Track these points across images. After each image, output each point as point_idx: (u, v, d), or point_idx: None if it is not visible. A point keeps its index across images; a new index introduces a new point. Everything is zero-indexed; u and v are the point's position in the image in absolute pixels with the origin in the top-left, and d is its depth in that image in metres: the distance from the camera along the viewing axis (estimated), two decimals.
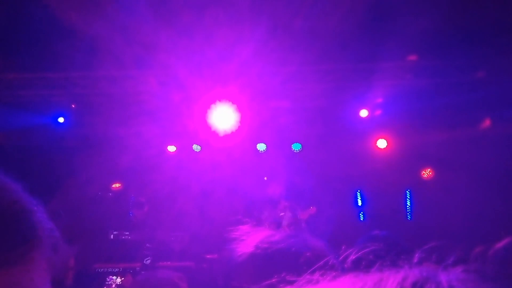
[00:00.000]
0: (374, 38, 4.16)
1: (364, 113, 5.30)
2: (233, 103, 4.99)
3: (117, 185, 6.16)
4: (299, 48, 4.25)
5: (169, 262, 5.22)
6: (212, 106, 4.97)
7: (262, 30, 4.07)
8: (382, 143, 6.01)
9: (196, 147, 6.02)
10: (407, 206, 6.46)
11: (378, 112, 5.31)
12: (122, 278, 4.47)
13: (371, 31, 4.04)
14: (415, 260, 0.44)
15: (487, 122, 5.36)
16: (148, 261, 5.11)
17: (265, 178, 6.34)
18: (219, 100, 4.95)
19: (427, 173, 6.36)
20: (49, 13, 3.76)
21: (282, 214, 5.24)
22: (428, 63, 4.69)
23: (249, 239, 1.14)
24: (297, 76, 4.73)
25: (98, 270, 4.57)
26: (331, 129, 5.58)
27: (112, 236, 5.21)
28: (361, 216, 6.55)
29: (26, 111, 4.97)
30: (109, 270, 4.92)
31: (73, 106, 5.09)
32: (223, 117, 5.06)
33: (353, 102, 5.22)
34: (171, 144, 6.02)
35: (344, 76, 4.70)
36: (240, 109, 5.04)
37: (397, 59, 4.49)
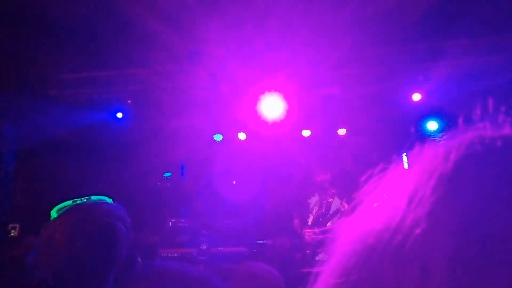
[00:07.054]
0: (428, 18, 4.02)
1: (416, 97, 5.14)
2: (281, 92, 5.03)
3: (168, 174, 6.43)
4: (348, 32, 4.20)
5: (223, 248, 5.45)
6: (261, 96, 5.04)
7: (309, 16, 4.06)
8: (432, 125, 5.82)
9: (241, 136, 6.12)
10: None
11: (431, 95, 5.13)
12: None
13: (425, 10, 3.91)
14: None
15: None
16: (204, 247, 5.36)
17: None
18: (268, 90, 5.01)
19: None
20: (104, 13, 3.96)
21: (331, 200, 5.24)
22: (485, 41, 4.47)
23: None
24: (346, 61, 4.68)
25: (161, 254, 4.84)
26: (382, 114, 5.48)
27: (170, 224, 5.50)
28: None
29: (87, 108, 5.28)
30: (169, 255, 5.21)
31: (129, 101, 5.36)
32: (271, 107, 5.12)
33: (406, 86, 5.08)
34: (219, 133, 6.17)
35: (395, 59, 4.59)
36: (288, 97, 5.07)
37: (451, 38, 4.32)
